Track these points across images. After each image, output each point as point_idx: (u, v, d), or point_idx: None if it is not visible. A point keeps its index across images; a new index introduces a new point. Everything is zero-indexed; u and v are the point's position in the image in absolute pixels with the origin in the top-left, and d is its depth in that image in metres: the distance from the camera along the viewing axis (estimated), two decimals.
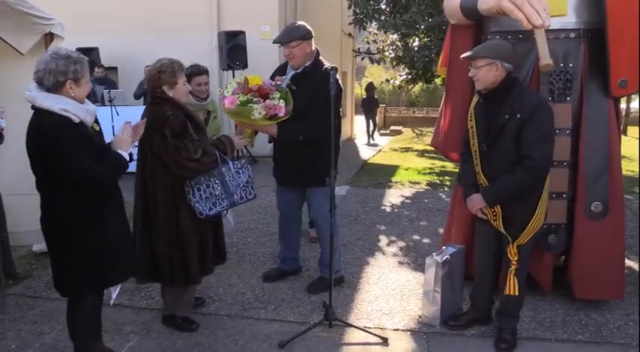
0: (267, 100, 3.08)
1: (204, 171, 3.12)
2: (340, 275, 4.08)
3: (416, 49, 10.69)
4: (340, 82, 3.56)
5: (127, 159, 2.67)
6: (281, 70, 3.87)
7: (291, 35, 3.65)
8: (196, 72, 3.86)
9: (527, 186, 2.97)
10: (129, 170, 2.71)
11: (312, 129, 3.58)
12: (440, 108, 4.22)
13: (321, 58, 3.76)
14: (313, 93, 3.57)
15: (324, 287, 3.79)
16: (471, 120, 3.18)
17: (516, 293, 3.06)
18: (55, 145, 2.41)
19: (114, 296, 2.85)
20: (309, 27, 3.71)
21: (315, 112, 3.55)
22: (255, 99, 3.07)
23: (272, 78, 3.73)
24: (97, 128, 2.68)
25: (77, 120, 2.49)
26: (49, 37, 4.54)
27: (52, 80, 2.45)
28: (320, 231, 4.00)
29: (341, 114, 3.65)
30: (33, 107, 2.50)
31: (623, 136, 4.06)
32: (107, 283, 2.76)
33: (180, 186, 3.12)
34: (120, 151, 2.64)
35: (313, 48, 3.72)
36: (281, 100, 3.16)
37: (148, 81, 3.20)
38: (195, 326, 3.35)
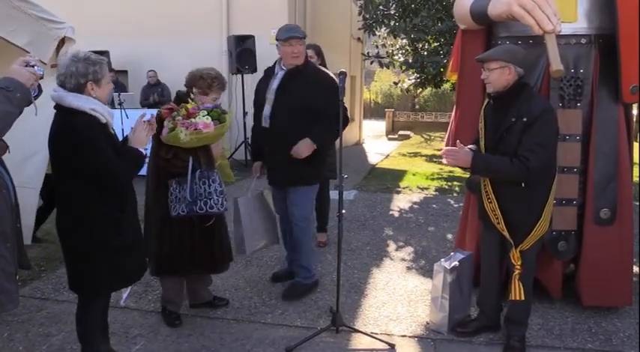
0: (189, 119, 3.17)
1: (170, 172, 3.24)
2: (315, 280, 4.06)
3: (426, 54, 10.66)
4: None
5: (145, 155, 2.72)
6: (270, 72, 3.84)
7: (302, 32, 3.65)
8: None
9: (513, 177, 2.94)
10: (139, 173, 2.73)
11: (324, 133, 3.70)
12: (452, 114, 4.21)
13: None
14: (311, 94, 3.59)
15: (299, 293, 3.86)
16: (480, 122, 3.19)
17: (522, 298, 3.03)
18: (88, 143, 2.45)
19: (125, 296, 2.87)
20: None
21: (323, 117, 3.61)
22: (181, 122, 3.15)
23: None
24: (113, 131, 2.72)
25: (104, 121, 2.55)
26: (61, 41, 4.57)
27: (73, 82, 2.50)
28: (298, 234, 3.88)
29: None
30: (57, 107, 2.53)
31: (635, 143, 3.99)
32: (124, 284, 2.80)
33: (164, 181, 3.27)
34: (138, 148, 2.69)
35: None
36: (206, 117, 3.20)
37: (189, 81, 3.37)
38: (178, 322, 3.44)
